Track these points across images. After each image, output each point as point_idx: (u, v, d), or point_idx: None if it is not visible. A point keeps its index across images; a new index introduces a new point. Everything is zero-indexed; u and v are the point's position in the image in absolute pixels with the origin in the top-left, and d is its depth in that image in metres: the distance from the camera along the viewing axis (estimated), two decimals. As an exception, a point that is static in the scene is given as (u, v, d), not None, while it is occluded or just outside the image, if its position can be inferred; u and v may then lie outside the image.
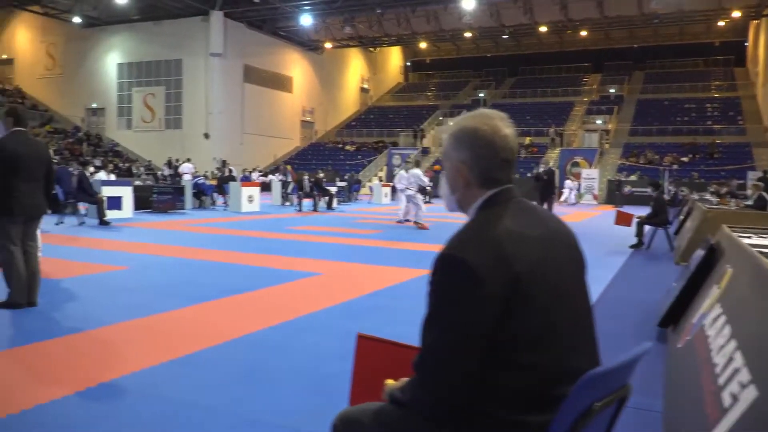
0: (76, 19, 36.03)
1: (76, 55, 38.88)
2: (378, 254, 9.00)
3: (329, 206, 19.48)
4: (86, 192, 12.02)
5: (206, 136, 35.14)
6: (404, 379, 1.65)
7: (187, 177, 21.34)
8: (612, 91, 43.55)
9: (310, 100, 43.66)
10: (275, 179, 23.36)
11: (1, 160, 4.80)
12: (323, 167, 29.07)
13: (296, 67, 41.91)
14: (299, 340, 4.26)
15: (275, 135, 40.12)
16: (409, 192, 13.90)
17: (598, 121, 38.73)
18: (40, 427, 2.73)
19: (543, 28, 36.80)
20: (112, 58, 38.01)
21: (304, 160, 39.59)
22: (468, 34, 39.42)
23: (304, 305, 5.37)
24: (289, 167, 27.29)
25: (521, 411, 1.38)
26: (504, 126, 1.56)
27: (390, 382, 1.72)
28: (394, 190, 20.40)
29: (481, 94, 47.16)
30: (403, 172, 14.87)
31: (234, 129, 36.48)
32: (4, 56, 41.79)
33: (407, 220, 14.10)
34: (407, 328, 4.61)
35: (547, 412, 1.35)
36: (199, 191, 18.60)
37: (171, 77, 36.29)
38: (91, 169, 12.95)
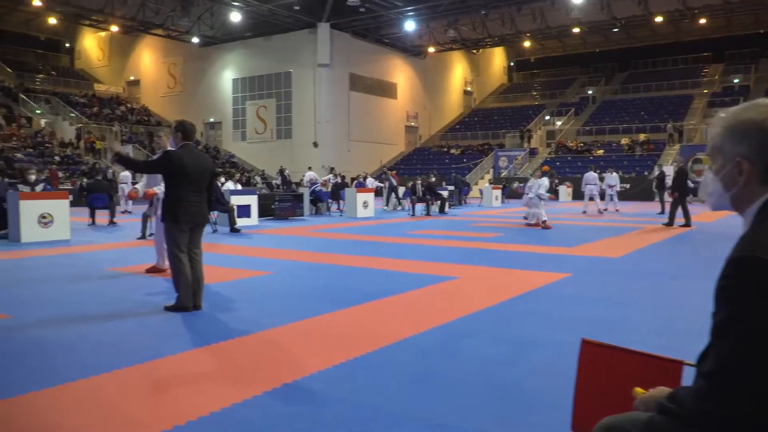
0: (195, 40, 38.35)
1: (195, 73, 41.39)
2: (507, 257, 8.83)
3: (441, 210, 19.43)
4: (219, 201, 12.69)
5: (315, 144, 36.21)
6: (662, 389, 1.55)
7: (318, 184, 21.97)
8: (736, 81, 40.54)
9: (414, 105, 43.92)
10: (386, 185, 23.60)
11: (173, 171, 5.13)
12: (428, 172, 29.08)
13: (400, 73, 42.31)
14: (461, 344, 4.22)
15: (381, 141, 40.68)
16: (532, 195, 14.00)
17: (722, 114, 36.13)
18: (239, 425, 2.84)
19: (658, 18, 34.89)
20: (227, 74, 40.10)
21: (409, 165, 39.84)
22: (576, 30, 38.09)
23: (451, 309, 5.34)
24: (392, 172, 27.46)
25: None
26: None
27: (640, 391, 1.62)
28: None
29: (590, 91, 45.47)
30: (534, 179, 14.92)
31: (341, 137, 37.38)
32: (132, 78, 45.21)
33: (537, 223, 14.15)
34: (569, 335, 4.47)
35: None
36: (316, 198, 19.16)
37: (281, 89, 37.75)
38: (222, 179, 13.65)
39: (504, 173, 35.81)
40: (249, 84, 39.19)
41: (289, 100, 37.44)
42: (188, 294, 5.16)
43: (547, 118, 43.03)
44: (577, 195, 27.43)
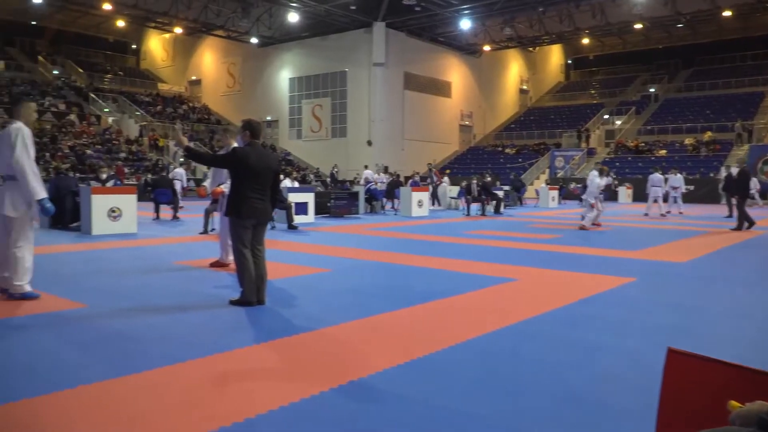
0: (253, 40, 39.12)
1: (253, 73, 42.23)
2: (567, 260, 8.65)
3: (497, 210, 19.21)
4: (278, 199, 12.91)
5: (369, 143, 36.38)
6: (762, 403, 1.48)
7: (380, 182, 22.12)
8: (810, 77, 38.55)
9: (468, 104, 43.57)
10: (445, 184, 23.53)
11: (238, 168, 5.25)
12: (482, 171, 28.79)
13: (454, 71, 42.04)
14: (525, 347, 4.15)
15: (434, 140, 40.53)
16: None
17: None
18: (307, 421, 2.88)
19: (726, 13, 33.48)
20: (284, 74, 40.74)
21: (463, 165, 39.56)
22: (638, 26, 36.95)
23: (513, 311, 5.26)
24: (435, 170, 27.28)
25: None
26: None
27: (736, 404, 1.55)
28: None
29: (652, 89, 44.06)
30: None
31: (395, 135, 37.43)
32: (193, 77, 46.49)
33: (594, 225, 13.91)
34: (637, 341, 4.34)
35: None
36: (371, 196, 19.24)
37: (336, 88, 38.08)
38: (281, 177, 13.88)
39: (560, 173, 35.13)
40: (305, 83, 39.70)
41: (344, 99, 37.74)
42: (252, 289, 5.27)
43: (606, 117, 41.94)
44: (638, 197, 26.65)
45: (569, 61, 53.77)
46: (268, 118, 42.08)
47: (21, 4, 37.34)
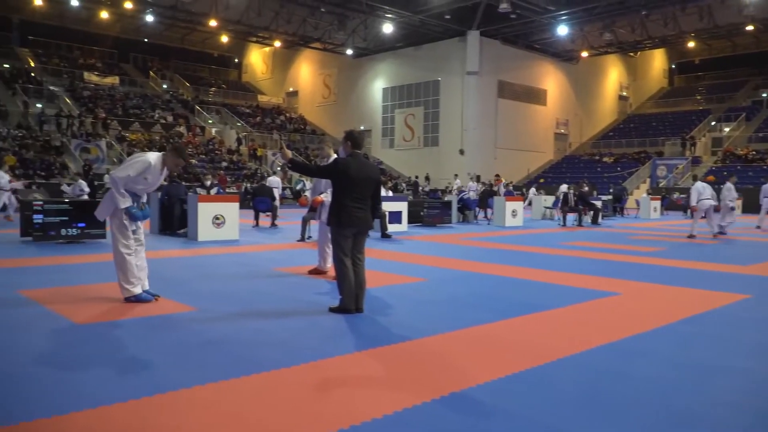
0: (349, 51, 40.06)
1: (348, 83, 43.20)
2: (673, 274, 8.21)
3: (594, 221, 18.55)
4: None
5: (461, 152, 36.21)
6: None
7: (466, 192, 21.97)
8: None
9: (564, 112, 42.44)
10: (533, 193, 22.99)
11: (341, 178, 5.38)
12: (578, 180, 27.82)
13: (550, 79, 41.11)
14: (631, 366, 3.98)
15: (528, 149, 39.76)
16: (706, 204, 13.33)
17: None
18: (411, 430, 2.89)
19: None
20: (377, 84, 41.39)
21: (558, 174, 38.54)
22: (749, 28, 34.64)
23: (617, 327, 5.06)
24: (497, 179, 26.25)
25: None
26: None
27: None
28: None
29: (765, 94, 41.14)
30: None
31: (487, 144, 37.05)
32: (291, 89, 48.16)
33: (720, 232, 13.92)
34: (756, 363, 4.06)
35: None
36: (464, 206, 19.12)
37: (429, 97, 38.22)
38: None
39: (662, 183, 33.45)
40: (398, 93, 40.13)
41: (437, 108, 37.81)
42: (351, 297, 5.37)
43: (713, 123, 39.58)
44: (748, 208, 24.92)
45: (673, 66, 51.26)
46: (362, 127, 42.81)
47: (135, 23, 40.21)
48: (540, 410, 3.16)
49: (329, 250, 7.51)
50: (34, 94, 34.13)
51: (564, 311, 5.73)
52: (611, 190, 25.61)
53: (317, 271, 7.68)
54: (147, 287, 5.82)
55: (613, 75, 46.51)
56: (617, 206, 23.90)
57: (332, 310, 5.45)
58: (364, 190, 5.40)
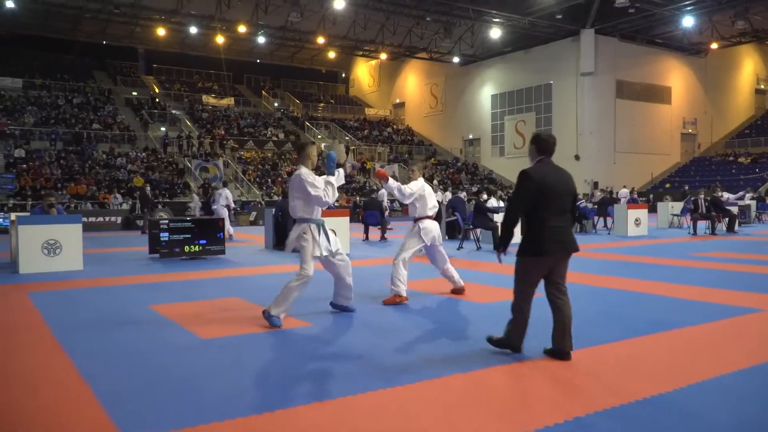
0: (455, 59, 40.07)
1: (455, 92, 43.18)
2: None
3: (730, 228, 17.23)
4: (487, 218, 13.01)
5: (577, 158, 35.01)
6: None
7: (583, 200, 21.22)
8: None
9: (691, 111, 39.91)
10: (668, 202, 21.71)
11: (540, 192, 4.33)
12: (710, 184, 25.97)
13: (674, 75, 38.87)
14: (784, 393, 3.65)
15: (651, 152, 37.74)
16: None
17: None
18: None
19: None
20: (486, 90, 41.05)
21: (685, 177, 36.27)
22: None
23: (761, 347, 4.66)
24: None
25: None
26: None
27: None
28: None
29: None
30: None
31: (606, 148, 35.58)
32: (398, 100, 48.89)
33: None
34: None
35: None
36: (580, 215, 18.44)
37: (541, 102, 37.36)
38: (484, 196, 13.95)
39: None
40: (508, 99, 39.56)
41: (549, 113, 36.87)
42: (520, 336, 4.59)
43: None
44: None
45: (821, 53, 46.73)
46: (470, 136, 42.65)
47: (248, 45, 42.54)
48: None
49: (452, 268, 7.31)
50: (159, 118, 37.00)
51: (699, 329, 5.36)
52: (749, 194, 23.63)
53: (458, 291, 7.36)
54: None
55: (749, 67, 43.18)
56: (759, 212, 22.09)
57: (493, 343, 4.68)
58: (564, 203, 4.45)
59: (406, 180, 9.15)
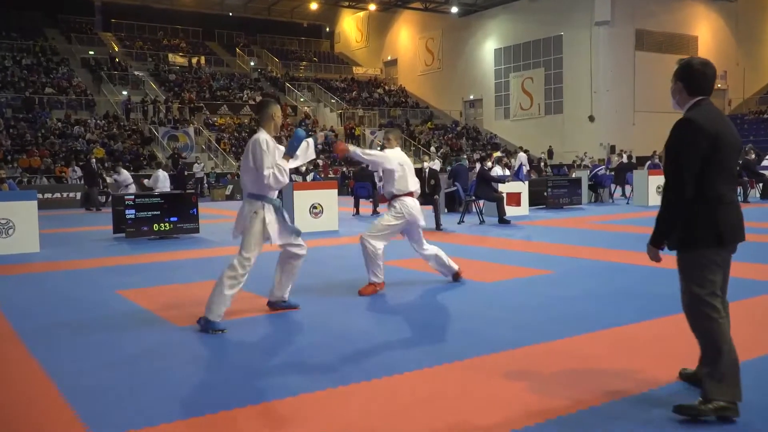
0: (453, 9, 39.75)
1: (453, 47, 42.91)
2: None
3: (764, 195, 17.36)
4: (491, 188, 13.02)
5: (591, 119, 35.04)
6: None
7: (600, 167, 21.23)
8: None
9: (720, 63, 39.69)
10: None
11: (700, 149, 3.14)
12: (743, 146, 25.98)
13: (701, 23, 38.75)
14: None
15: (675, 111, 37.54)
16: None
17: None
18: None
19: None
20: (488, 45, 40.82)
21: (713, 139, 36.33)
22: None
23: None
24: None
25: None
26: None
27: None
28: None
29: None
30: None
31: (624, 108, 35.57)
32: (389, 57, 48.56)
33: None
34: None
35: None
36: (596, 183, 18.52)
37: (550, 57, 37.21)
38: (489, 164, 13.95)
39: None
40: (513, 54, 39.37)
41: (560, 69, 36.76)
42: (737, 377, 3.20)
43: None
44: None
45: None
46: (471, 96, 42.52)
47: (219, -4, 42.00)
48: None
49: (440, 252, 6.65)
50: (120, 80, 36.63)
51: (734, 306, 5.41)
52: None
53: (455, 277, 6.75)
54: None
55: (785, 12, 43.08)
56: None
57: (703, 410, 3.12)
58: (733, 166, 3.36)
59: None
